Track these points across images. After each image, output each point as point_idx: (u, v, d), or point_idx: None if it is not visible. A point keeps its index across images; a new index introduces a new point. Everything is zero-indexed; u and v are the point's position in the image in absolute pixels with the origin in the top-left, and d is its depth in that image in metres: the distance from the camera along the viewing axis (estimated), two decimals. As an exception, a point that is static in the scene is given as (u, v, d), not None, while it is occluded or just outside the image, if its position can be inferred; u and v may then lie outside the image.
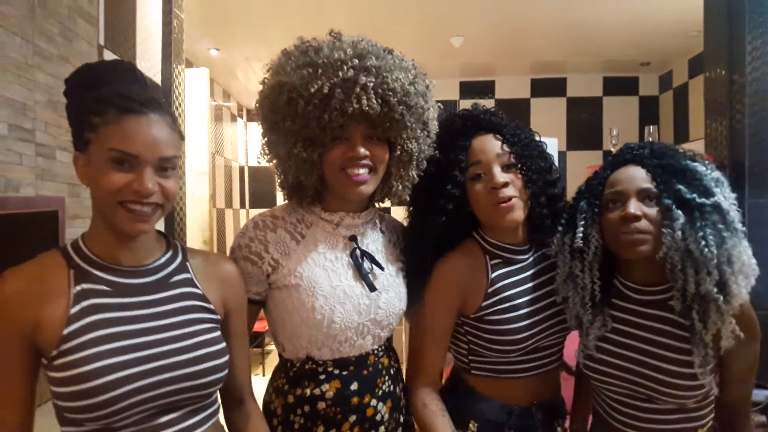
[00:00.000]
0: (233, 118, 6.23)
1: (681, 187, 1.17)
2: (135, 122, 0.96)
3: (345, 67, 1.17)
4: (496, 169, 1.32)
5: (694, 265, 1.14)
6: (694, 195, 1.16)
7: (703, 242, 1.13)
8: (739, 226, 1.16)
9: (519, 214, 1.32)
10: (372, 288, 1.28)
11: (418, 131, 1.29)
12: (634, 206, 1.19)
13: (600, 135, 5.61)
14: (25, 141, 1.60)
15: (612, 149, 3.81)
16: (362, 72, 1.18)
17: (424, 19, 4.19)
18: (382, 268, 1.33)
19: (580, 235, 1.26)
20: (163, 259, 1.10)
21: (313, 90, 1.16)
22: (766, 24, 2.45)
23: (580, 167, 5.08)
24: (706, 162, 1.24)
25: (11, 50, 1.55)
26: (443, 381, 1.51)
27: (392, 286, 1.34)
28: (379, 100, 1.19)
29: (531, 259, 1.42)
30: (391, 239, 1.44)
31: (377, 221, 1.43)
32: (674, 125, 5.41)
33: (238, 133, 6.36)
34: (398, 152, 1.29)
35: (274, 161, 1.32)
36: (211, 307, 1.11)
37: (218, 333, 1.10)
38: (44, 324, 0.94)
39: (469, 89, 5.85)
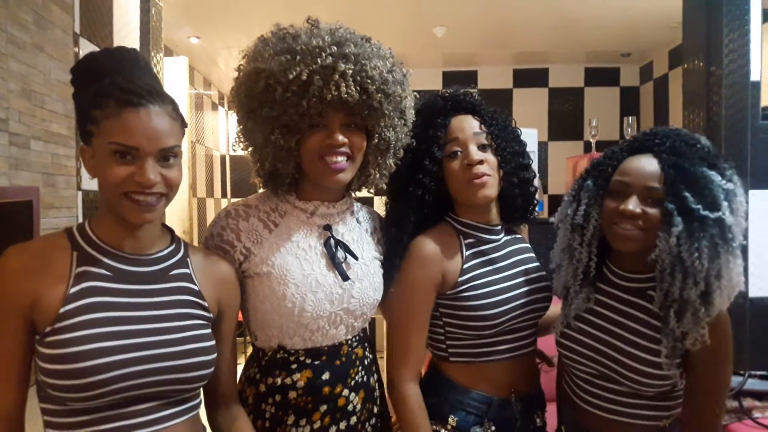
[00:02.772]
0: (214, 107, 6.17)
1: (688, 195, 1.15)
2: (134, 115, 0.99)
3: (323, 54, 1.17)
4: (472, 147, 1.37)
5: (683, 273, 1.15)
6: (699, 206, 1.14)
7: (696, 254, 1.13)
8: (737, 242, 1.15)
9: (492, 191, 1.37)
10: (345, 277, 1.29)
11: (396, 119, 1.29)
12: (633, 203, 1.20)
13: (581, 125, 5.63)
14: (-2, 130, 1.58)
15: (591, 140, 3.83)
16: (341, 59, 1.18)
17: (407, 9, 4.17)
18: (356, 258, 1.34)
19: (581, 212, 1.29)
20: (165, 251, 1.13)
21: (291, 76, 1.16)
22: (743, 17, 2.47)
23: (561, 157, 5.12)
24: (727, 167, 1.21)
25: (-17, 38, 1.52)
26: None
27: (366, 275, 1.35)
28: (358, 88, 1.20)
29: (503, 239, 1.46)
30: (368, 229, 1.44)
31: (354, 211, 1.43)
32: (654, 116, 5.46)
33: (219, 121, 6.30)
34: (375, 140, 1.29)
35: (250, 149, 1.32)
36: (206, 304, 1.13)
37: (209, 330, 1.12)
38: (42, 300, 0.97)
39: (451, 79, 5.83)
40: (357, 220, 1.43)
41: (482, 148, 1.38)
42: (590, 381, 1.32)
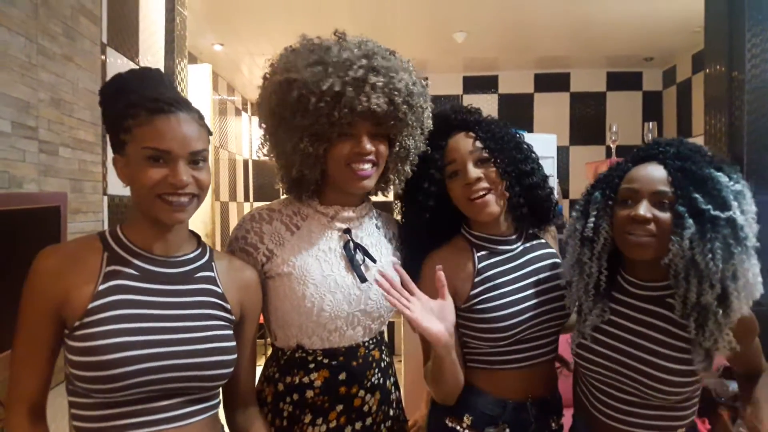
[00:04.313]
0: (237, 112, 6.25)
1: (697, 196, 1.15)
2: (165, 121, 1.06)
3: (354, 66, 1.23)
4: (470, 166, 1.37)
5: (698, 276, 1.14)
6: (710, 206, 1.14)
7: (710, 255, 1.12)
8: (750, 242, 1.15)
9: (494, 207, 1.37)
10: (363, 279, 1.33)
11: (417, 129, 1.35)
12: (644, 208, 1.19)
13: (603, 130, 5.59)
14: (28, 138, 1.63)
15: (611, 146, 3.80)
16: (371, 71, 1.24)
17: (427, 15, 4.20)
18: (374, 261, 1.37)
19: (591, 225, 1.28)
20: (192, 255, 1.19)
21: (324, 87, 1.21)
22: (765, 22, 2.45)
23: (582, 162, 5.09)
24: (732, 171, 1.21)
25: (15, 50, 1.58)
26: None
27: None
28: (386, 99, 1.25)
29: (519, 248, 1.45)
30: (386, 234, 1.48)
31: (373, 216, 1.46)
32: (677, 121, 5.40)
33: (242, 126, 6.38)
34: (397, 148, 1.35)
35: (277, 155, 1.36)
36: (229, 307, 1.18)
37: (230, 332, 1.17)
38: (73, 297, 1.04)
39: (472, 84, 5.83)
40: (376, 225, 1.47)
41: (480, 163, 1.38)
42: (605, 391, 1.31)
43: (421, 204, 1.40)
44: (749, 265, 1.14)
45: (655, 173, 1.22)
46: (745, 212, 1.16)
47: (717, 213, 1.14)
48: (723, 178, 1.17)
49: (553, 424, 1.47)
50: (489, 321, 1.35)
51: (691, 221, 1.14)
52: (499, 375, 1.40)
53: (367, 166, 1.31)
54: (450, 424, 1.38)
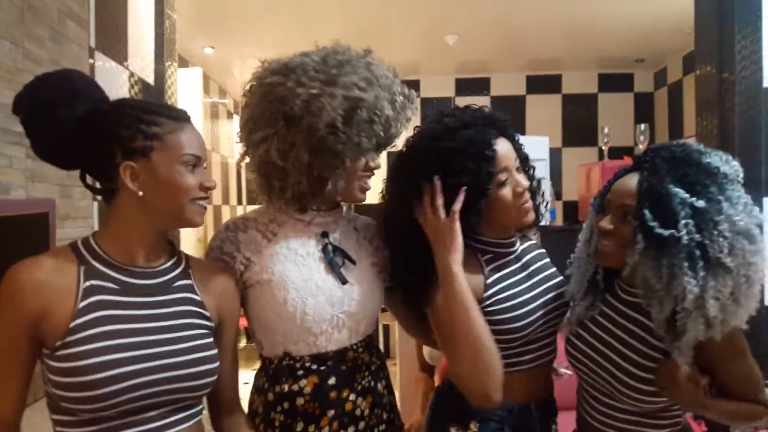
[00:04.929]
0: (229, 115, 6.24)
1: (646, 212, 1.14)
2: (192, 129, 1.12)
3: (396, 92, 1.31)
4: (519, 173, 1.34)
5: (648, 292, 1.15)
6: (655, 223, 1.12)
7: (654, 272, 1.13)
8: (694, 263, 1.08)
9: (533, 212, 1.38)
10: (343, 281, 1.32)
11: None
12: (606, 220, 1.23)
13: (595, 132, 5.61)
14: (15, 144, 1.62)
15: (604, 147, 3.81)
16: (408, 100, 1.34)
17: (418, 18, 4.20)
18: (354, 263, 1.37)
19: (587, 228, 1.35)
20: (169, 264, 1.17)
21: (387, 112, 1.27)
22: (755, 24, 2.45)
23: (575, 164, 5.10)
24: (710, 184, 1.13)
25: (1, 55, 1.56)
26: (440, 381, 1.52)
27: (365, 279, 1.38)
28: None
29: (519, 250, 1.46)
30: (366, 236, 1.47)
31: (351, 220, 1.48)
32: (669, 122, 5.43)
33: (234, 129, 6.37)
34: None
35: (276, 169, 1.30)
36: (207, 314, 1.17)
37: (211, 339, 1.16)
38: (51, 315, 1.00)
39: (464, 86, 5.85)
40: (354, 227, 1.47)
41: (518, 169, 1.35)
42: (589, 391, 1.34)
43: (470, 222, 1.31)
44: (706, 287, 1.08)
45: (627, 186, 1.21)
46: (706, 230, 1.10)
47: (660, 231, 1.11)
48: (681, 193, 1.12)
49: (554, 426, 1.48)
50: (504, 322, 1.33)
51: (641, 237, 1.14)
52: (506, 378, 1.38)
53: (371, 179, 1.38)
54: None
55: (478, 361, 1.20)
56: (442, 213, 1.24)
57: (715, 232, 1.09)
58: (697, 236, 1.09)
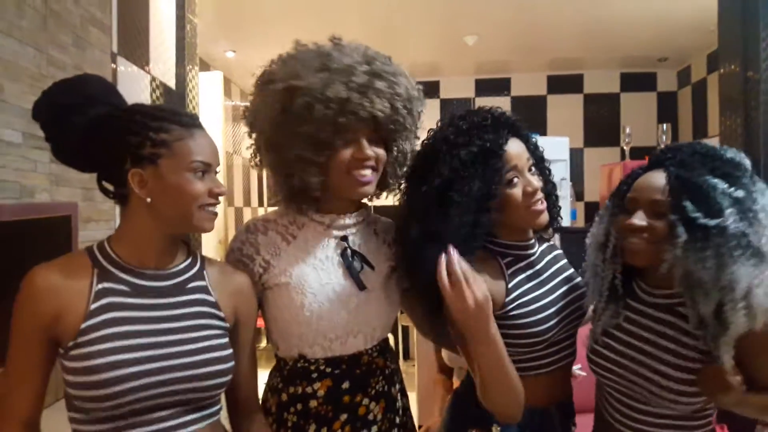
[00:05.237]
0: (251, 118, 6.27)
1: (687, 204, 1.13)
2: (202, 136, 1.11)
3: (357, 72, 1.23)
4: (528, 174, 1.31)
5: (692, 285, 1.13)
6: (699, 214, 1.11)
7: (701, 264, 1.10)
8: (750, 252, 1.09)
9: (547, 214, 1.34)
10: (362, 286, 1.32)
11: (412, 133, 1.36)
12: (638, 217, 1.20)
13: (617, 132, 5.54)
14: (39, 149, 1.65)
15: (625, 148, 3.76)
16: (375, 77, 1.24)
17: (437, 19, 4.20)
18: (372, 268, 1.36)
19: (602, 231, 1.30)
20: (183, 265, 1.18)
21: (330, 94, 1.21)
22: (780, 20, 2.42)
23: (597, 164, 5.04)
24: (741, 175, 1.16)
25: (25, 61, 1.60)
26: (457, 384, 1.50)
27: (383, 285, 1.37)
28: (389, 104, 1.25)
29: (538, 252, 1.43)
30: (386, 240, 1.46)
31: (371, 222, 1.46)
32: (693, 121, 5.34)
33: (255, 132, 6.40)
34: (395, 153, 1.35)
35: (275, 166, 1.34)
36: (222, 315, 1.18)
37: (226, 340, 1.16)
38: (65, 316, 1.03)
39: (484, 87, 5.82)
40: (374, 231, 1.45)
41: (530, 170, 1.32)
42: (617, 398, 1.30)
43: (481, 223, 1.28)
44: (752, 275, 1.08)
45: (654, 182, 1.21)
46: (748, 219, 1.11)
47: (705, 221, 1.10)
48: (720, 184, 1.13)
49: (573, 428, 1.46)
50: (526, 326, 1.31)
51: (682, 229, 1.12)
52: (526, 382, 1.36)
53: (368, 171, 1.30)
54: None
55: (510, 396, 1.23)
56: (470, 299, 1.10)
57: (756, 222, 1.11)
58: (741, 225, 1.10)
